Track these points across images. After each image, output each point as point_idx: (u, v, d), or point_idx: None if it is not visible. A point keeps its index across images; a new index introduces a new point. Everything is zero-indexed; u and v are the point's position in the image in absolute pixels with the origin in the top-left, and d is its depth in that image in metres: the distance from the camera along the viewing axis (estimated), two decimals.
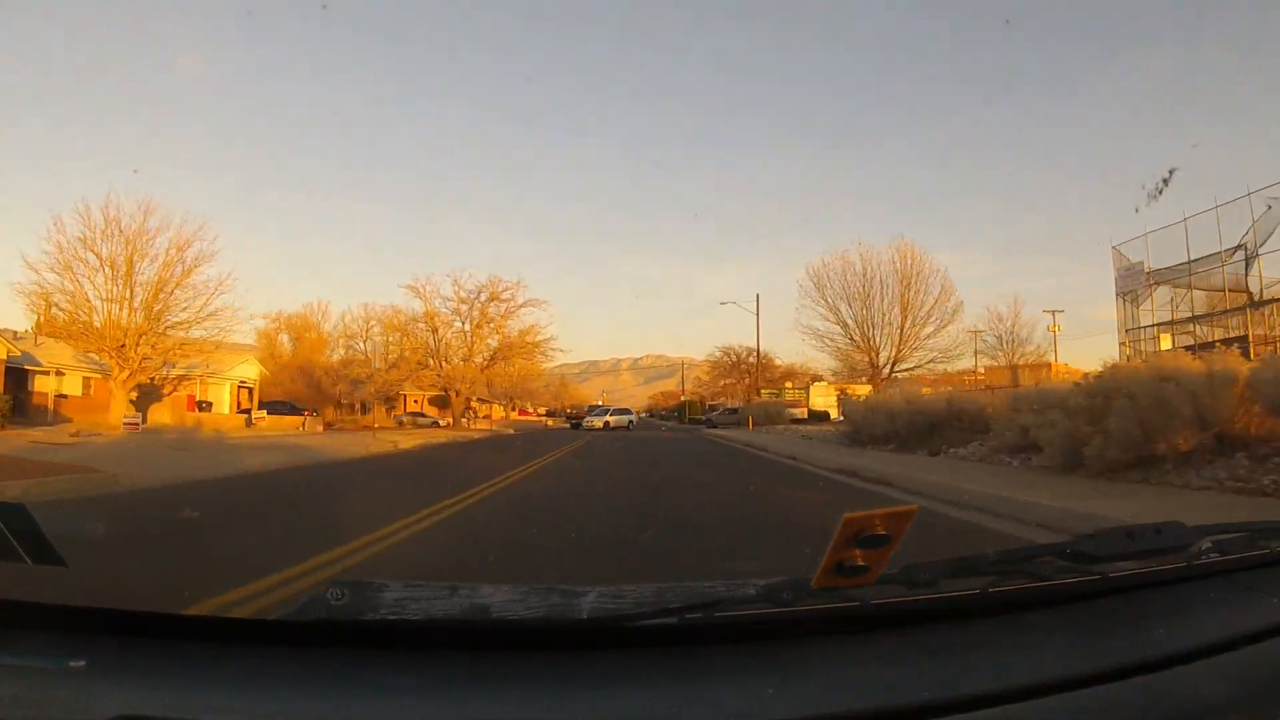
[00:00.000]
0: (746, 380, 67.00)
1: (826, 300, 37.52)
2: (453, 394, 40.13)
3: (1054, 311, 46.70)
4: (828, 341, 37.91)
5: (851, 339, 36.91)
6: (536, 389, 69.51)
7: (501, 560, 4.47)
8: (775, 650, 0.97)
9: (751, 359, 68.07)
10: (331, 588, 1.01)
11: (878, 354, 36.12)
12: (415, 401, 55.14)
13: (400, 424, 43.60)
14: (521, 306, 41.05)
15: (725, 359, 72.05)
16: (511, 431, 36.03)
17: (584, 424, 39.40)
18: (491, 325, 41.29)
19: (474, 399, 54.42)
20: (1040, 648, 1.02)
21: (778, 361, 68.06)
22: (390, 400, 52.56)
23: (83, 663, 0.89)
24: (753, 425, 33.35)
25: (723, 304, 42.38)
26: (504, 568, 4.22)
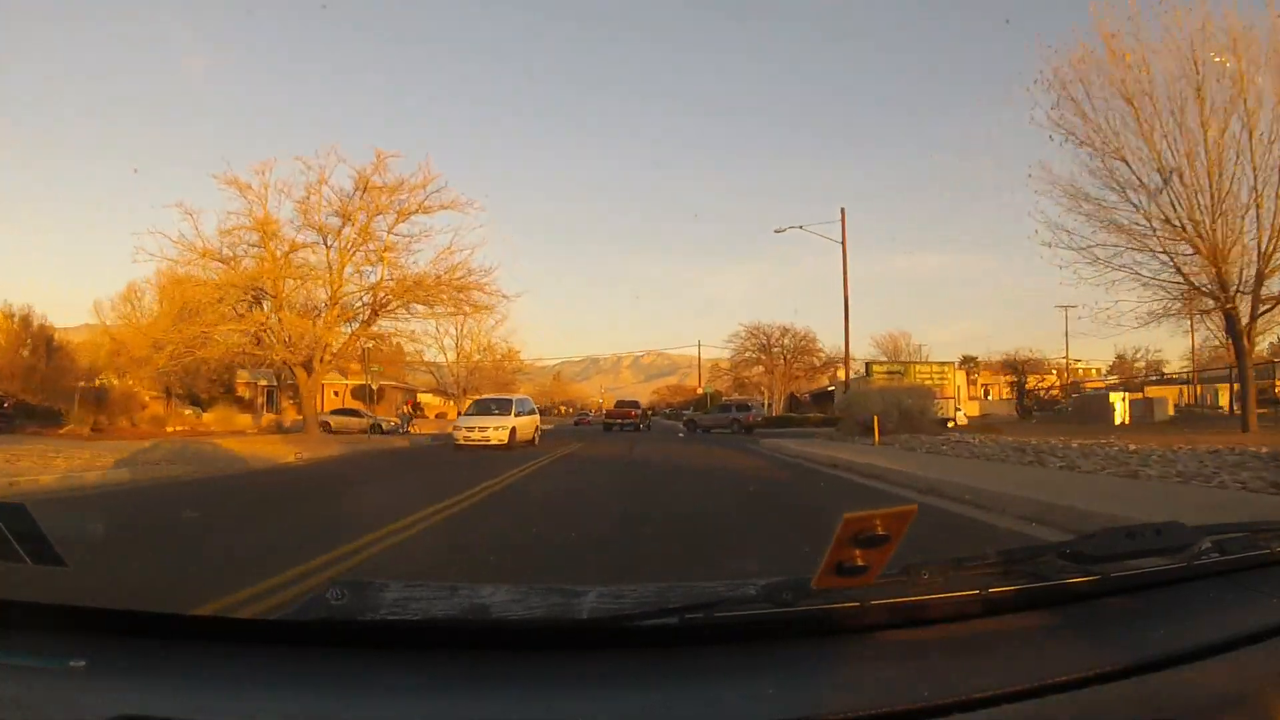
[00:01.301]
0: (781, 366, 52.91)
1: (1101, 137, 15.81)
2: (300, 371, 21.87)
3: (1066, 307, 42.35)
4: (1097, 222, 16.67)
5: (1166, 219, 15.66)
6: (508, 380, 55.01)
7: None
8: (775, 650, 0.97)
9: (788, 340, 53.29)
10: (332, 588, 1.01)
11: (1224, 255, 15.32)
12: (336, 393, 42.28)
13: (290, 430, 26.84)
14: (420, 209, 21.99)
15: (751, 341, 54.49)
16: (404, 446, 20.46)
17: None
18: (374, 247, 22.27)
19: (392, 389, 41.42)
20: (1040, 648, 1.02)
21: (820, 347, 53.96)
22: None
23: (83, 663, 0.89)
24: (880, 435, 17.13)
25: (778, 231, 25.64)
26: None
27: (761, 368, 55.37)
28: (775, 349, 53.95)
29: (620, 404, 40.76)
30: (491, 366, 47.88)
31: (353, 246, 22.58)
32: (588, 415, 66.23)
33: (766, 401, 51.28)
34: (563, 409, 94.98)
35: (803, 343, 54.39)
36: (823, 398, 56.08)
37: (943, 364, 29.51)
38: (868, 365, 30.41)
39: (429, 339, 43.78)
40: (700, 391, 57.24)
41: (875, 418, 17.80)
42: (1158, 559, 1.17)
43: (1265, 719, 0.91)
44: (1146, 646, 0.99)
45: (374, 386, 31.63)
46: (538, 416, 21.37)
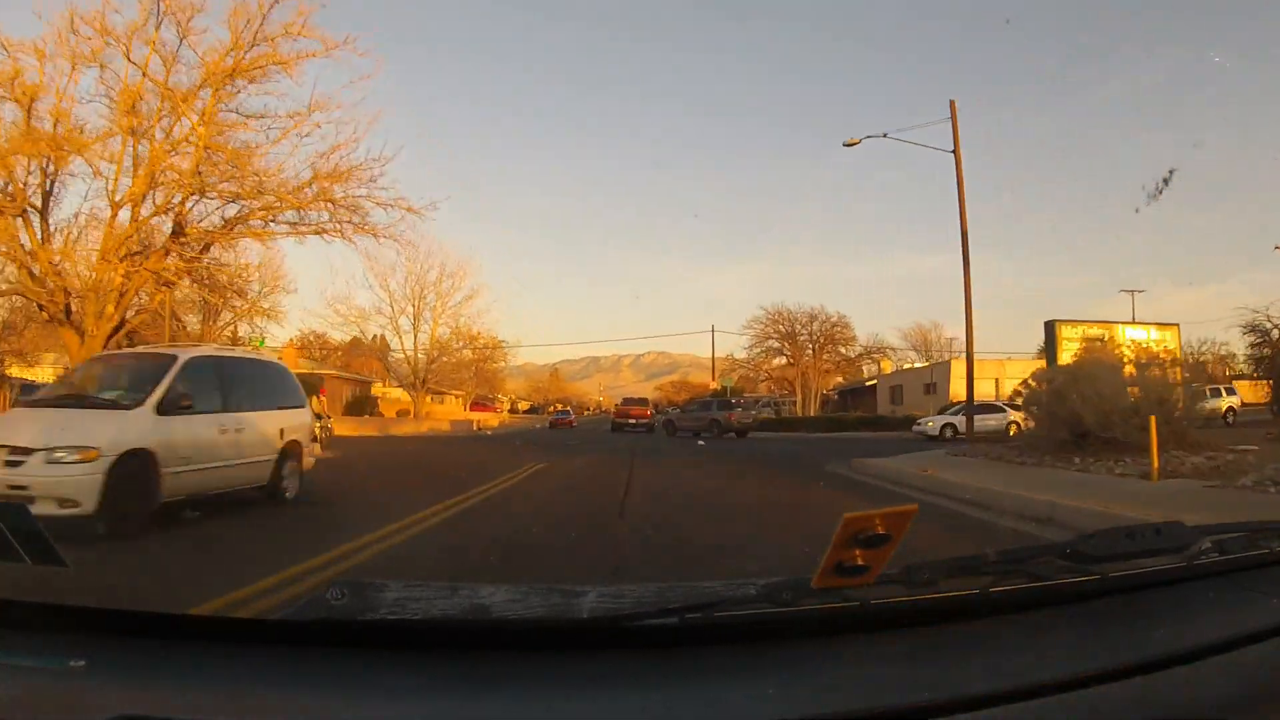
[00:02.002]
0: (809, 357, 44.40)
1: None
2: (67, 334, 13.04)
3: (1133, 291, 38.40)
4: None
5: None
6: (492, 374, 49.31)
7: None
8: (775, 650, 0.97)
9: (817, 326, 45.13)
10: (332, 588, 1.01)
11: None
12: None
13: None
14: (269, 58, 13.17)
15: (773, 328, 45.74)
16: None
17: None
18: (194, 117, 12.74)
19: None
20: (1040, 648, 1.02)
21: (853, 336, 46.79)
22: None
23: (83, 663, 0.89)
24: (1159, 457, 8.21)
25: (849, 145, 17.64)
26: None
27: (784, 359, 46.94)
28: (802, 336, 45.30)
29: (628, 402, 35.40)
30: (472, 356, 41.07)
31: (165, 124, 12.80)
32: (568, 415, 47.51)
33: (799, 399, 43.92)
34: (558, 406, 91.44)
35: (834, 330, 46.02)
36: (859, 395, 48.19)
37: (1163, 326, 16.94)
38: (1051, 325, 16.63)
39: (382, 318, 35.72)
40: (713, 387, 44.92)
41: (1152, 422, 8.59)
42: (1157, 559, 1.17)
43: (1266, 719, 0.91)
44: (1146, 646, 0.99)
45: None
46: (303, 414, 7.99)
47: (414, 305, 36.97)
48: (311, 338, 35.00)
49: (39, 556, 1.08)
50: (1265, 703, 0.92)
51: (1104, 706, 0.88)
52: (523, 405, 74.58)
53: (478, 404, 51.88)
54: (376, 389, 43.25)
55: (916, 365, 46.89)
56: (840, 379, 51.16)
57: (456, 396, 51.49)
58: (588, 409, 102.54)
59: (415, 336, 37.20)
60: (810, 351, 45.05)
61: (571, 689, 0.90)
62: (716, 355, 48.62)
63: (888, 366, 47.94)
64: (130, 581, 3.45)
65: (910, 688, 0.89)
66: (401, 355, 37.70)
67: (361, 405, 38.44)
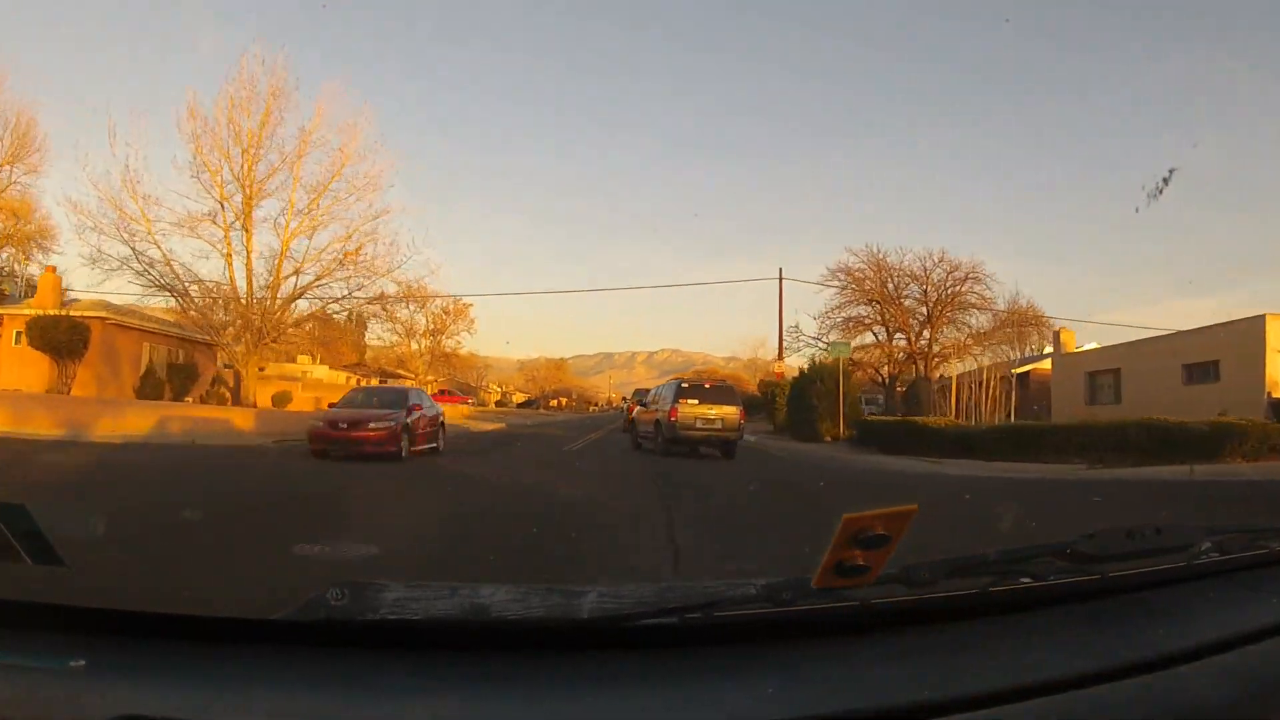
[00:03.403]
0: (913, 327, 28.03)
1: None
2: None
3: None
4: None
5: None
6: (450, 351, 35.91)
7: None
8: (775, 650, 0.97)
9: (939, 274, 27.55)
10: (332, 588, 1.01)
11: None
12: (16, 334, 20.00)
13: None
14: None
15: (864, 278, 28.57)
16: None
17: None
18: None
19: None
20: (1040, 648, 1.02)
21: (988, 291, 27.98)
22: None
23: (83, 663, 0.89)
24: None
25: None
26: None
27: (875, 337, 29.38)
28: (910, 299, 27.83)
29: (641, 395, 23.61)
30: (428, 323, 27.73)
31: None
32: (427, 406, 13.93)
33: (950, 395, 22.87)
34: (561, 401, 76.70)
35: (965, 284, 27.83)
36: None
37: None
38: None
39: (215, 230, 18.43)
40: (778, 373, 28.31)
41: None
42: (1158, 559, 1.17)
43: (1265, 718, 0.91)
44: (1146, 646, 1.00)
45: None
46: None
47: (246, 191, 18.70)
48: (212, 286, 19.75)
49: (39, 556, 1.08)
50: (1266, 702, 0.92)
51: (1104, 706, 0.88)
52: (518, 397, 66.86)
53: (446, 394, 37.61)
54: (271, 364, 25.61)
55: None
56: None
57: (415, 379, 37.87)
58: (595, 404, 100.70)
59: (248, 255, 19.15)
60: (926, 315, 28.11)
61: (571, 689, 0.90)
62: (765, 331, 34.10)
63: (1070, 341, 28.38)
64: (130, 581, 3.46)
65: (910, 688, 0.89)
66: (230, 292, 19.87)
67: (185, 378, 22.43)
